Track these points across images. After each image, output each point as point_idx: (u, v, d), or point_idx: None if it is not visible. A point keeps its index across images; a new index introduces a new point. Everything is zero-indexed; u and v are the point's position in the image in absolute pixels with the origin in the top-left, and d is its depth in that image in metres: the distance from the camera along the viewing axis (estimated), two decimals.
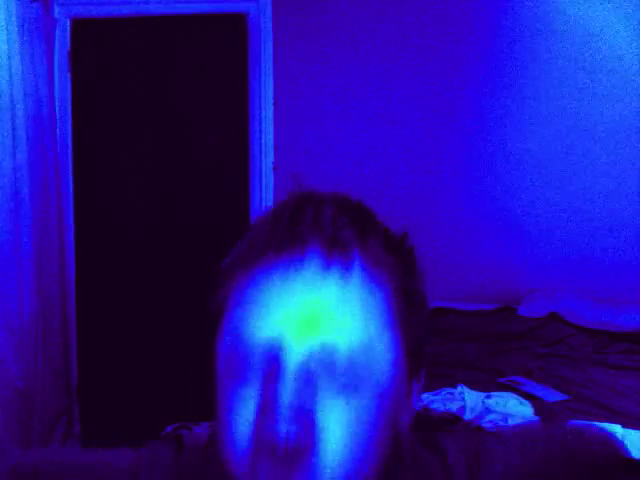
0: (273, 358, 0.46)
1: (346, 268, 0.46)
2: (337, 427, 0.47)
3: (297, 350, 0.46)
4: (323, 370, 0.46)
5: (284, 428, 0.44)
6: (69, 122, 3.16)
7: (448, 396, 1.99)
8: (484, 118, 3.10)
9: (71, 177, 3.19)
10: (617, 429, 1.80)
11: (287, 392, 0.45)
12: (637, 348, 2.63)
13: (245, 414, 0.47)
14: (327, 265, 0.46)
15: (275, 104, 3.13)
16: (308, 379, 0.46)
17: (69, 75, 3.14)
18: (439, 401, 1.96)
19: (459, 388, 2.03)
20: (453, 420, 1.75)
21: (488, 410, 1.89)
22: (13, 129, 2.56)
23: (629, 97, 3.03)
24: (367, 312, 0.47)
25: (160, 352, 3.22)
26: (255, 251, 0.50)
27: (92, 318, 3.25)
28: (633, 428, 1.81)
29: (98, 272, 3.25)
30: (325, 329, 0.46)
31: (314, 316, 0.46)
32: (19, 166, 2.59)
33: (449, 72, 3.09)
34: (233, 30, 3.11)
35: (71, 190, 3.19)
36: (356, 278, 0.47)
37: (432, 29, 3.08)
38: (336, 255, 0.46)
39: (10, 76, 2.55)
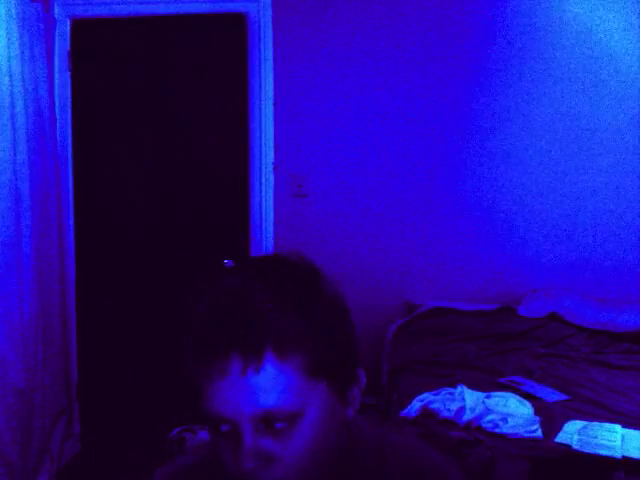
0: (234, 426, 0.68)
1: (259, 367, 0.66)
2: (289, 453, 0.68)
3: (245, 419, 0.67)
4: (265, 424, 0.67)
5: (251, 465, 0.67)
6: (69, 122, 3.16)
7: (448, 396, 1.99)
8: (485, 119, 3.10)
9: (71, 177, 3.19)
10: (617, 429, 1.80)
11: (247, 446, 0.67)
12: (637, 348, 2.64)
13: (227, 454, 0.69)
14: (245, 369, 0.66)
15: (275, 104, 3.13)
16: (258, 434, 0.68)
17: (69, 75, 3.14)
18: (439, 401, 1.96)
19: (459, 388, 2.03)
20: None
21: (488, 410, 1.89)
22: (13, 129, 2.56)
23: (630, 98, 3.04)
24: (282, 384, 0.67)
25: (160, 352, 3.22)
26: (202, 356, 0.68)
27: (92, 318, 3.25)
28: (633, 428, 1.81)
29: (98, 272, 3.25)
30: (261, 401, 0.67)
31: (244, 399, 0.67)
32: (19, 166, 2.59)
33: (449, 73, 3.10)
34: (233, 30, 3.11)
35: (71, 190, 3.19)
36: (269, 369, 0.67)
37: (433, 29, 3.09)
38: (251, 362, 0.66)
39: (10, 76, 2.54)
